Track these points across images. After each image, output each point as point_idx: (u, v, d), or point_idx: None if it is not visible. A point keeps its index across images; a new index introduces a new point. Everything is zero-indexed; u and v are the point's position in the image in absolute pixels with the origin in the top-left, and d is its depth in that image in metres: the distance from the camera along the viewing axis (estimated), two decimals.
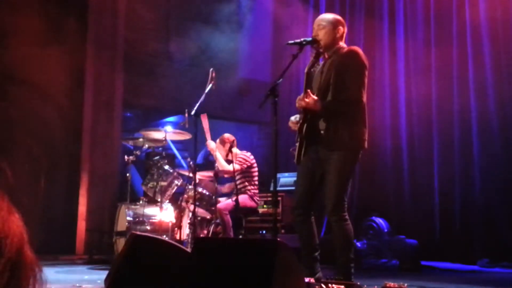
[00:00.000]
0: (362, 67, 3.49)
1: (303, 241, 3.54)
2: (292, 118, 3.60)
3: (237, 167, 5.72)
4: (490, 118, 6.35)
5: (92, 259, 6.03)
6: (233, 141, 5.83)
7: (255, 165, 6.08)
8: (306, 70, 3.58)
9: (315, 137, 3.47)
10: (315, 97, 3.35)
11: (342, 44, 3.61)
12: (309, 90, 3.39)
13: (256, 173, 6.08)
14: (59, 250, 7.04)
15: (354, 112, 3.46)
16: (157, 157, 5.89)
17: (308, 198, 3.54)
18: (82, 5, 7.71)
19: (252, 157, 6.09)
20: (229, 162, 5.80)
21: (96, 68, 7.61)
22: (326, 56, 3.59)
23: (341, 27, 3.60)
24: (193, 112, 5.02)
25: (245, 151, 6.14)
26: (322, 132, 3.45)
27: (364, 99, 3.47)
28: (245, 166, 5.93)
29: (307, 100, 3.34)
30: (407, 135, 7.20)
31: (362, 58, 3.51)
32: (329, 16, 3.70)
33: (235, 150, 5.90)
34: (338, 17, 3.69)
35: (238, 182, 5.82)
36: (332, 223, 3.46)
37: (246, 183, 5.99)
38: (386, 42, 7.53)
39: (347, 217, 3.43)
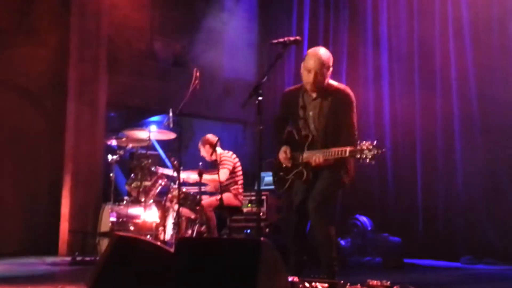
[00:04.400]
0: (353, 106, 3.64)
1: (292, 243, 3.60)
2: (282, 151, 3.64)
3: (223, 176, 5.64)
4: (473, 118, 6.41)
5: (75, 260, 5.97)
6: (217, 141, 5.81)
7: (238, 164, 6.06)
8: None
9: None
10: (321, 157, 3.44)
11: (330, 81, 3.68)
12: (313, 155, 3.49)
13: (240, 172, 6.07)
14: (42, 251, 6.97)
15: None
16: (141, 157, 5.86)
17: (306, 207, 3.59)
18: (65, 4, 7.63)
19: (234, 156, 6.07)
20: (213, 162, 5.77)
21: (80, 68, 7.54)
22: (314, 95, 3.64)
23: (331, 65, 3.67)
24: (177, 112, 5.00)
25: (226, 151, 6.11)
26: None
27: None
28: (230, 167, 5.91)
29: (317, 161, 3.45)
30: (391, 135, 7.24)
31: (352, 98, 3.65)
32: (325, 55, 3.65)
33: (218, 150, 5.90)
34: (329, 54, 3.70)
35: None
36: (314, 224, 3.48)
37: (230, 182, 5.98)
38: (370, 53, 7.56)
39: (328, 219, 3.47)
